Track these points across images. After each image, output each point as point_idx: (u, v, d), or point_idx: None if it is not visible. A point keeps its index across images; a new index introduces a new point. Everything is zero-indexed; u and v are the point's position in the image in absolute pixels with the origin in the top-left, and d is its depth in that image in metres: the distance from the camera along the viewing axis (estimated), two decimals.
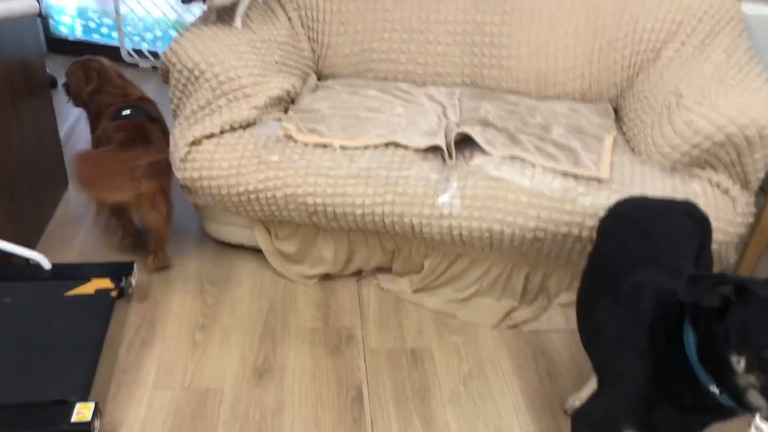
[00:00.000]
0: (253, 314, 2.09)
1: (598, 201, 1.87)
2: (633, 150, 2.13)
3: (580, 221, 1.89)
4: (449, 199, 1.94)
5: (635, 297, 1.32)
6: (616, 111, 2.42)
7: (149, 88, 3.32)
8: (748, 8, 2.36)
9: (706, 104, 1.88)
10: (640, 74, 2.37)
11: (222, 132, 2.06)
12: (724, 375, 1.12)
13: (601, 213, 1.75)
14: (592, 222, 1.87)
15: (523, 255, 2.03)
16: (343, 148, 2.04)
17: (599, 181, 1.92)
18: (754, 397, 1.09)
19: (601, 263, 1.52)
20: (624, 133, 2.25)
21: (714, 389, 1.15)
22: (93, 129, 2.31)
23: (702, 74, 2.09)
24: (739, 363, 1.08)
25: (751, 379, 1.07)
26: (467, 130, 2.08)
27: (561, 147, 2.05)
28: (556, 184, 1.91)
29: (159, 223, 2.12)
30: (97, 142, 2.18)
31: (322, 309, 2.13)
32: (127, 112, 2.17)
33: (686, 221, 1.53)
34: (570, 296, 2.10)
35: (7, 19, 1.87)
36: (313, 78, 2.50)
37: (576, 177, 1.94)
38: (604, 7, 2.40)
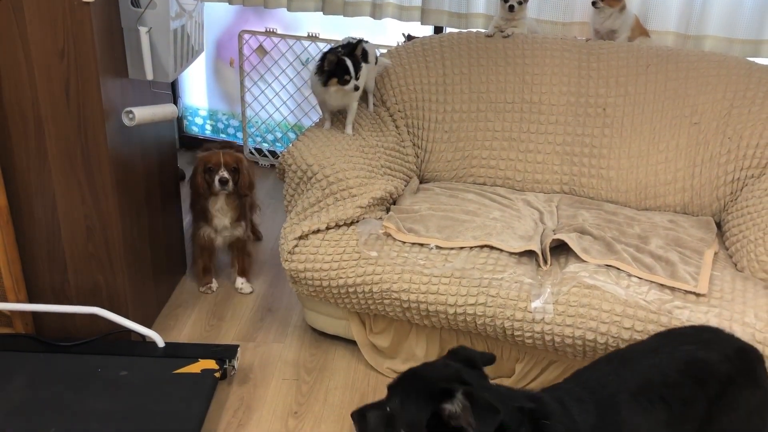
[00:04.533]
0: (344, 405, 2.15)
1: (696, 315, 1.83)
2: (735, 265, 2.08)
3: None
4: (542, 304, 1.96)
5: None
6: (719, 225, 2.38)
7: (266, 184, 3.59)
8: None
9: None
10: (744, 189, 2.34)
11: (327, 228, 2.20)
12: None
13: None
14: None
15: None
16: (438, 248, 2.13)
17: (697, 295, 1.89)
18: None
19: None
20: (727, 248, 2.21)
21: None
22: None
23: None
24: None
25: None
26: (563, 236, 2.12)
27: (658, 258, 2.04)
28: (651, 296, 1.89)
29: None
30: None
31: None
32: None
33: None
34: None
35: (153, 122, 2.14)
36: (416, 181, 2.64)
37: (672, 290, 1.92)
38: (706, 123, 2.41)
